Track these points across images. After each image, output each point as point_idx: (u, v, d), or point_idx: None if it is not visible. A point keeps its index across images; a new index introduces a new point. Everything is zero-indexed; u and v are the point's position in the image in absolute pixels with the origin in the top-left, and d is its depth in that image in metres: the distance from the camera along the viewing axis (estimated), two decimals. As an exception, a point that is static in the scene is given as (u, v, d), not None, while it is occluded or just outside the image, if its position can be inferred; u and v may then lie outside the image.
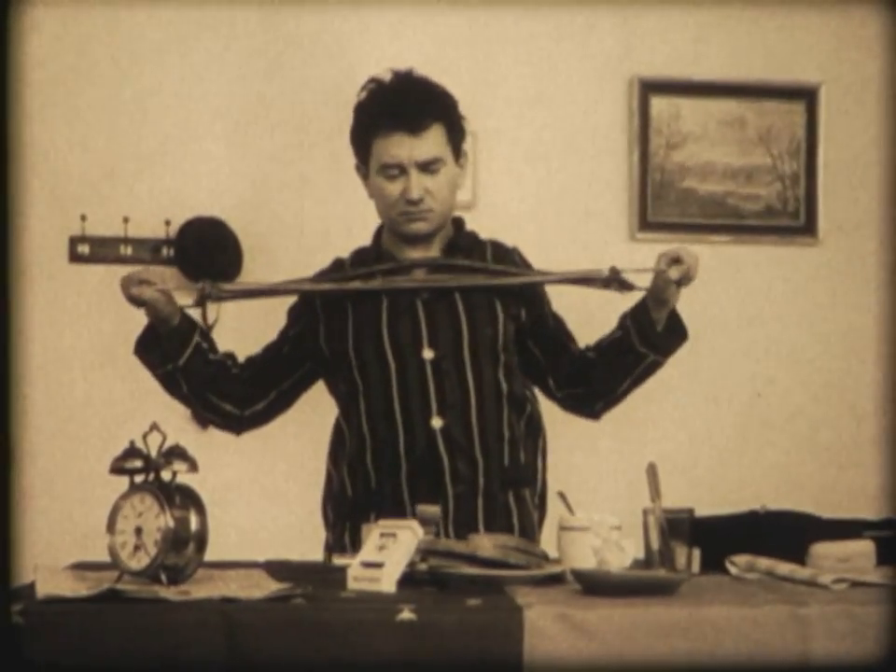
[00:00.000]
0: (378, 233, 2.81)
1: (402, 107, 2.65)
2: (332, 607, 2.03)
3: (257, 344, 2.85)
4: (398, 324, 2.69)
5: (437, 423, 2.66)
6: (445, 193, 2.69)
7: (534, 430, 2.81)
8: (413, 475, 2.66)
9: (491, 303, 2.72)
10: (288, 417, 2.86)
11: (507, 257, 2.82)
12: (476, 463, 2.67)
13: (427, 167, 2.65)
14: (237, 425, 2.81)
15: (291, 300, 2.82)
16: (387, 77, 2.71)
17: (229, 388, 2.76)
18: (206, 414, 2.81)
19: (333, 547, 2.73)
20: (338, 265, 2.82)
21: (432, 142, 2.65)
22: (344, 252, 2.86)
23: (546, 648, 1.96)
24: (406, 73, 2.72)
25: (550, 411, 2.85)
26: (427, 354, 2.67)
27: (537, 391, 2.85)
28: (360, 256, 2.82)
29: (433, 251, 2.75)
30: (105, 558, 2.20)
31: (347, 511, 2.73)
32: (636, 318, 2.69)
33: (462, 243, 2.78)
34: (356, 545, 2.62)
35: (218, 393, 2.75)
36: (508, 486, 2.72)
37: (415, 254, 2.74)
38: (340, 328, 2.73)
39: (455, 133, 2.71)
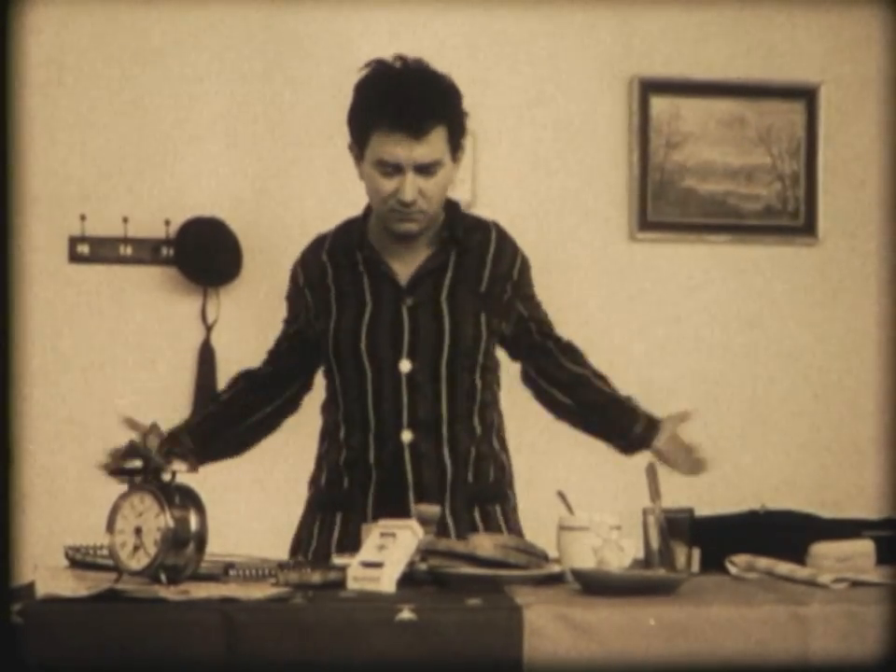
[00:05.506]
0: (367, 213, 2.73)
1: (406, 107, 2.52)
2: (332, 606, 2.03)
3: (257, 343, 2.85)
4: (379, 330, 2.65)
5: (407, 436, 2.64)
6: (438, 194, 2.60)
7: (502, 445, 2.78)
8: (380, 486, 2.65)
9: (476, 315, 2.67)
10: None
11: (509, 255, 2.74)
12: (444, 478, 2.65)
13: (425, 169, 2.55)
14: (289, 413, 2.83)
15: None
16: (395, 63, 2.58)
17: (257, 402, 2.79)
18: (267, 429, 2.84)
19: (300, 533, 2.74)
20: (319, 242, 2.76)
21: (433, 145, 2.55)
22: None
23: (546, 647, 1.96)
24: (414, 64, 2.59)
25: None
26: (405, 366, 2.63)
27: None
28: (342, 239, 2.74)
29: (418, 246, 2.68)
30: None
31: (319, 502, 2.73)
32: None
33: (458, 234, 2.69)
34: (321, 538, 2.66)
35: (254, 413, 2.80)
36: (473, 502, 2.69)
37: (399, 248, 2.67)
38: (324, 322, 2.70)
39: (457, 132, 2.60)
